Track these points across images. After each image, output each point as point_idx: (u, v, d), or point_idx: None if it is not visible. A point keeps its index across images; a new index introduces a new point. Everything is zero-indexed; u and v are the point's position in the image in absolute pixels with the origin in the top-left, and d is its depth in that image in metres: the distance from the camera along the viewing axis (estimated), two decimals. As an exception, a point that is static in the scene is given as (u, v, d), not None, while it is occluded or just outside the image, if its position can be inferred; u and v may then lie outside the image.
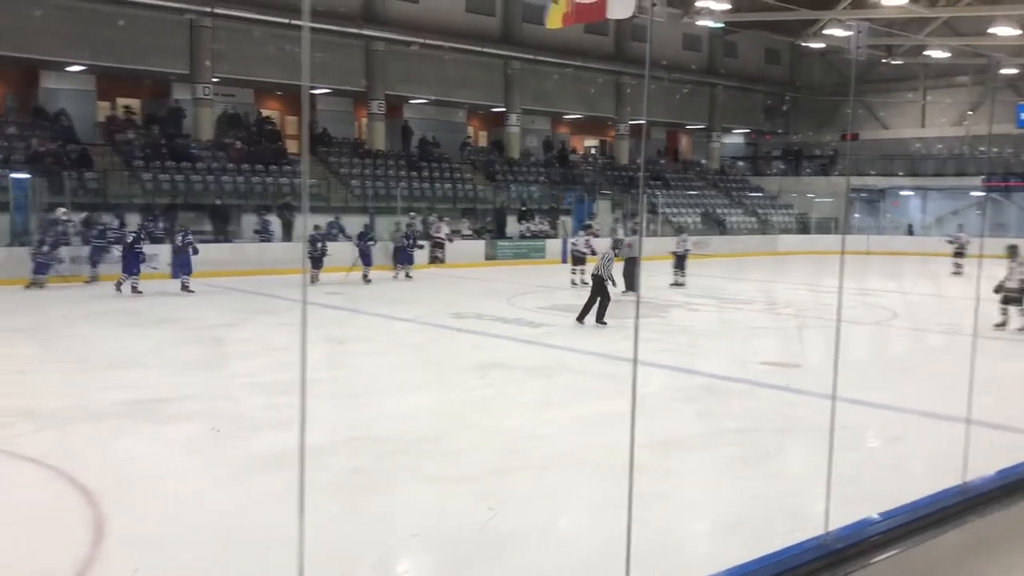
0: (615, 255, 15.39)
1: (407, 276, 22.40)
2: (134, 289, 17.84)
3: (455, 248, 26.17)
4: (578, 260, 20.97)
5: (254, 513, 5.98)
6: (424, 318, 15.33)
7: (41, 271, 18.41)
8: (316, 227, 21.90)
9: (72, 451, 7.27)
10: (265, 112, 30.85)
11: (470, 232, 27.75)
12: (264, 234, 23.59)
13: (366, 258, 21.40)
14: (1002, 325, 14.43)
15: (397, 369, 11.23)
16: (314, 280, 19.73)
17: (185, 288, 18.24)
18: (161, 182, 24.12)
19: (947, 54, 34.65)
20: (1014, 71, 34.04)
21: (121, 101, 28.14)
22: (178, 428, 8.04)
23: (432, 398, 9.44)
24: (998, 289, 14.42)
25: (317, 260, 20.34)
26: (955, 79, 38.46)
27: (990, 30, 28.88)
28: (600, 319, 14.19)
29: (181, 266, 18.64)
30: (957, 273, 24.38)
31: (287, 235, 24.09)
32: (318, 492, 5.60)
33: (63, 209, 20.23)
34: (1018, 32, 28.63)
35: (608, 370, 10.71)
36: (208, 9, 25.76)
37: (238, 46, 27.08)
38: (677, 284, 19.58)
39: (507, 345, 12.79)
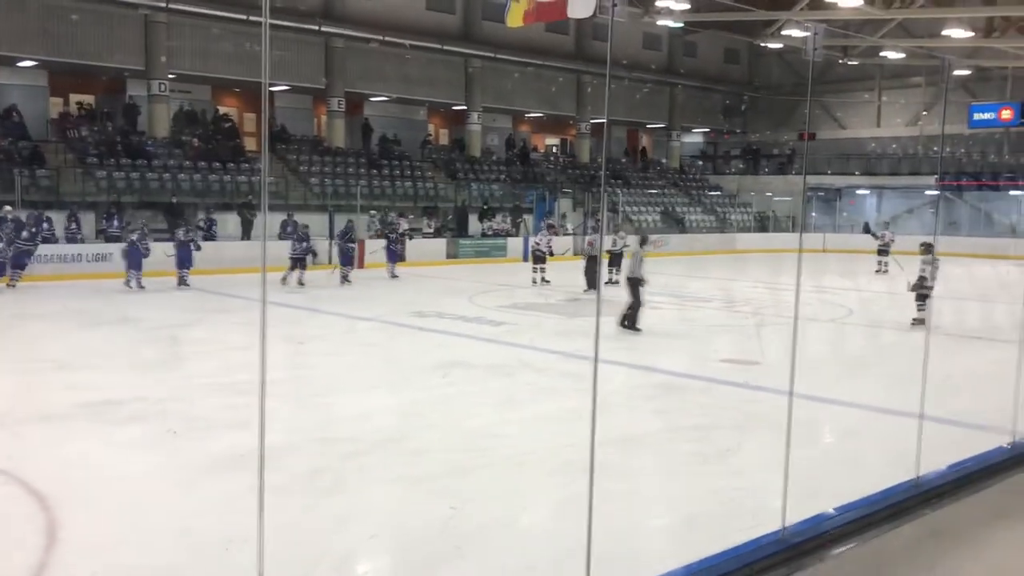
0: (642, 251, 14.24)
1: (393, 275, 21.98)
2: (139, 284, 18.26)
3: (417, 246, 26.09)
4: (539, 259, 20.95)
5: (212, 515, 5.91)
6: (385, 317, 15.25)
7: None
8: (296, 224, 21.58)
9: (24, 454, 7.13)
10: (222, 109, 30.51)
11: (431, 230, 27.66)
12: (207, 233, 22.78)
13: (346, 257, 20.80)
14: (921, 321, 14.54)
15: (357, 369, 11.16)
16: (300, 282, 18.98)
17: (183, 282, 18.92)
18: (116, 180, 23.74)
19: (901, 55, 35.24)
20: (966, 72, 34.71)
21: (74, 97, 27.68)
22: (133, 430, 7.92)
23: (393, 398, 9.40)
24: (915, 287, 14.43)
25: (300, 260, 19.34)
26: (909, 80, 39.12)
27: (943, 32, 29.42)
28: (633, 324, 13.57)
29: (182, 261, 19.22)
30: (881, 271, 24.24)
31: (246, 234, 23.85)
32: (277, 493, 5.54)
33: (8, 207, 19.83)
34: (970, 34, 29.19)
35: (569, 368, 10.74)
36: (163, 4, 25.40)
37: (194, 42, 26.75)
38: (612, 282, 19.68)
39: (468, 344, 12.77)
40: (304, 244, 19.50)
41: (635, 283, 13.56)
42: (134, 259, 18.33)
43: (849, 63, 36.67)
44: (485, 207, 30.18)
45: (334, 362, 11.50)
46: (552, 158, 38.93)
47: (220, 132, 28.51)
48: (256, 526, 3.78)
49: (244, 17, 25.90)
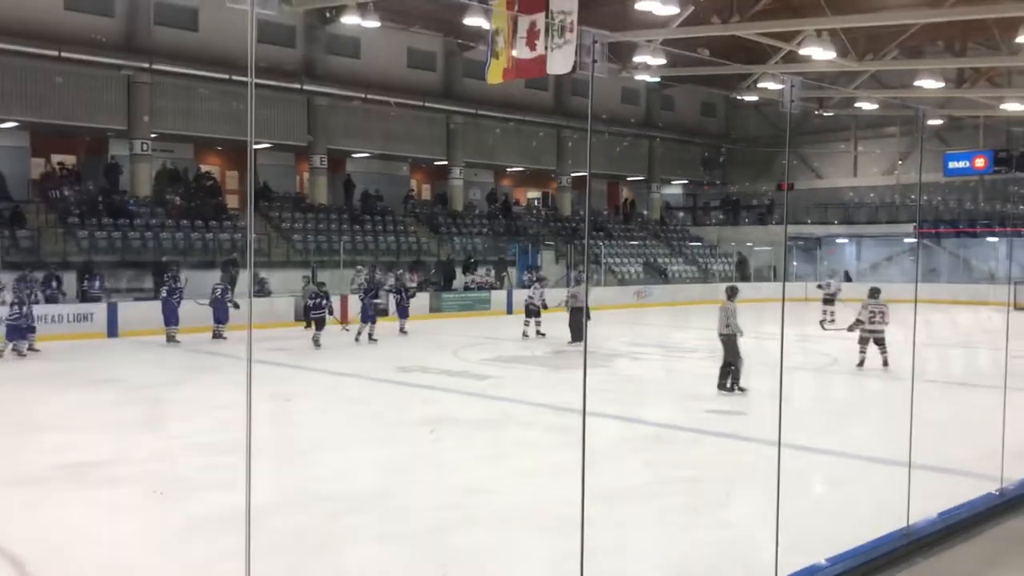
0: (732, 304, 13.04)
1: (403, 331, 21.42)
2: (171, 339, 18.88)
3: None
4: (532, 312, 20.70)
5: (195, 578, 5.79)
6: (369, 373, 15.17)
7: None
8: (312, 282, 21.82)
9: (1, 517, 6.99)
10: (204, 167, 30.60)
11: (413, 285, 27.64)
12: (174, 293, 20.61)
13: (367, 315, 20.02)
14: (861, 364, 15.14)
15: (342, 425, 11.06)
16: (316, 343, 18.55)
17: (218, 336, 19.83)
18: (98, 239, 23.67)
19: (876, 106, 35.88)
20: (939, 122, 35.34)
21: (56, 157, 27.67)
22: (115, 492, 7.79)
23: (378, 454, 9.31)
24: (852, 328, 14.98)
25: (319, 321, 19.15)
26: (884, 130, 39.77)
27: (916, 83, 30.01)
28: (736, 383, 12.69)
29: (219, 316, 20.04)
30: (827, 321, 22.32)
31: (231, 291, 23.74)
32: (262, 554, 5.43)
33: None
34: (941, 84, 29.79)
35: (556, 422, 10.69)
36: (146, 66, 25.59)
37: (177, 102, 26.89)
38: (526, 336, 19.81)
39: (453, 398, 12.70)
40: (322, 301, 19.38)
41: (730, 339, 12.63)
42: (221, 310, 19.84)
43: (825, 114, 37.29)
44: (470, 260, 30.23)
45: (319, 419, 11.40)
46: (534, 211, 39.20)
47: (202, 190, 28.56)
48: (242, 589, 3.71)
49: (227, 77, 26.09)
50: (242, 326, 20.29)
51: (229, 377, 14.21)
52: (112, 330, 20.20)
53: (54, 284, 21.02)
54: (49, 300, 20.66)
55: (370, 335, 19.78)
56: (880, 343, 14.97)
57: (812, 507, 7.41)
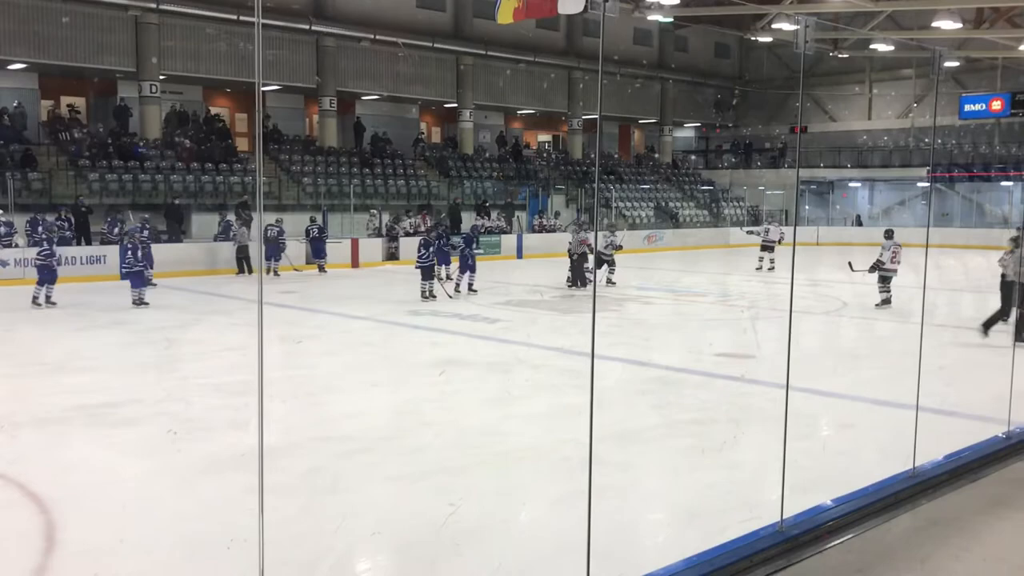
0: None
1: (449, 279, 19.23)
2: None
3: (410, 244, 26.08)
4: (602, 263, 19.44)
5: (211, 516, 5.91)
6: (380, 316, 15.25)
7: None
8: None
9: (20, 458, 7.12)
10: (214, 109, 30.45)
11: (424, 229, 27.61)
12: (224, 235, 22.84)
13: (445, 258, 19.12)
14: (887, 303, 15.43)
15: (354, 368, 11.16)
16: (470, 287, 18.09)
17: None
18: (108, 182, 23.69)
19: (891, 47, 35.28)
20: (956, 64, 34.78)
21: (65, 100, 27.58)
22: (130, 432, 7.92)
23: (390, 396, 9.41)
24: (873, 268, 15.20)
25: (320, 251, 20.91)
26: (900, 72, 39.19)
27: (933, 24, 29.48)
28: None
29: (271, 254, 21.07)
30: (768, 269, 22.38)
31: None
32: (276, 493, 5.55)
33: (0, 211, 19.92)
34: (959, 25, 29.25)
35: (565, 364, 10.76)
36: (153, 5, 25.33)
37: (185, 43, 26.68)
38: (610, 283, 19.46)
39: (464, 341, 12.79)
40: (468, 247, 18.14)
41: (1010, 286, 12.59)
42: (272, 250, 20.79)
43: (839, 56, 36.73)
44: (483, 204, 30.13)
45: (330, 361, 11.50)
46: (544, 155, 38.93)
47: (212, 133, 28.46)
48: (256, 526, 3.79)
49: (235, 17, 25.85)
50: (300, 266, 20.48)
51: (240, 319, 14.33)
52: (241, 268, 21.13)
53: (65, 226, 21.09)
54: (61, 242, 20.77)
55: (470, 285, 18.16)
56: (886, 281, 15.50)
57: (819, 449, 7.48)
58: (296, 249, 22.70)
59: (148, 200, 23.99)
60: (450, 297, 17.06)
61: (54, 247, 16.50)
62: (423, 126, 36.56)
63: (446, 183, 31.49)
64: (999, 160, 36.53)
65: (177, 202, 23.67)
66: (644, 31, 38.66)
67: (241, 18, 25.81)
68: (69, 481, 6.60)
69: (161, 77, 26.27)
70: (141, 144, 25.71)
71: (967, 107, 35.61)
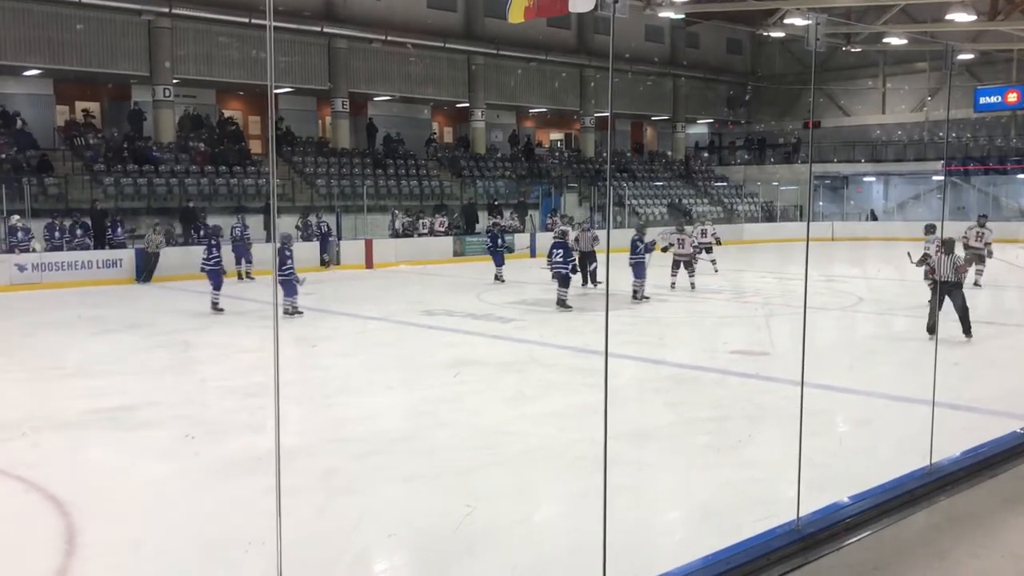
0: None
1: (497, 279, 20.25)
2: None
3: (424, 244, 26.21)
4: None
5: (229, 517, 5.95)
6: (394, 316, 15.29)
7: None
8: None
9: (41, 461, 7.18)
10: (227, 113, 30.59)
11: (442, 229, 27.72)
12: (240, 242, 22.03)
13: (499, 257, 20.66)
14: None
15: (368, 369, 11.20)
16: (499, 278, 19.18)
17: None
18: (124, 186, 23.84)
19: (904, 41, 35.07)
20: (970, 57, 34.55)
21: (80, 105, 27.77)
22: (148, 435, 7.97)
23: (404, 397, 9.43)
24: (922, 262, 14.36)
25: (499, 255, 20.45)
26: (913, 66, 38.96)
27: (947, 16, 29.27)
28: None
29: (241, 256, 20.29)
30: (712, 271, 21.01)
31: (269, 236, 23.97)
32: (293, 495, 5.59)
33: (17, 216, 20.05)
34: (974, 18, 29.04)
35: (579, 363, 10.76)
36: (166, 10, 25.47)
37: (198, 46, 26.81)
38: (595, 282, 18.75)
39: (478, 341, 12.80)
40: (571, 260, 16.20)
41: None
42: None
43: (852, 50, 36.55)
44: (494, 203, 30.17)
45: (345, 363, 11.55)
46: (557, 153, 38.90)
47: (225, 136, 28.59)
48: (274, 527, 3.82)
49: (247, 20, 25.96)
50: (267, 271, 20.48)
51: (255, 322, 14.40)
52: (146, 275, 20.47)
53: (79, 231, 21.23)
54: (80, 247, 20.92)
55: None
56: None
57: (835, 446, 7.45)
58: (309, 250, 22.76)
59: (163, 204, 24.14)
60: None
61: (220, 252, 16.33)
62: (435, 126, 36.61)
63: (459, 183, 31.53)
64: (1015, 153, 36.27)
65: (192, 205, 23.79)
66: (655, 28, 38.57)
67: (253, 21, 25.92)
68: (89, 484, 6.66)
69: (174, 81, 26.42)
70: (155, 148, 25.86)
71: (982, 100, 35.35)
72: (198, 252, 22.11)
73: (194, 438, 7.74)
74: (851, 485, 5.91)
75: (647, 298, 16.34)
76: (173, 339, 13.29)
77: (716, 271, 21.41)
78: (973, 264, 17.02)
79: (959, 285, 11.65)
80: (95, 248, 21.07)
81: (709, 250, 21.81)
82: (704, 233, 22.11)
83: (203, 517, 6.00)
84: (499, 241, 21.12)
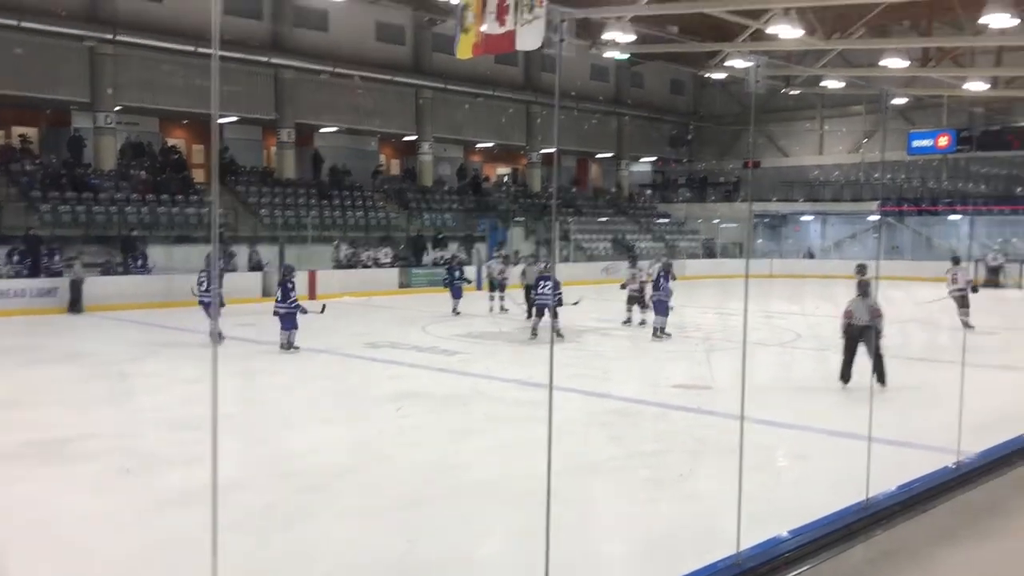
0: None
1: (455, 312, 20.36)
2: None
3: (369, 276, 26.08)
4: (494, 286, 21.15)
5: (164, 554, 5.81)
6: (338, 348, 15.14)
7: None
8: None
9: (-33, 496, 6.94)
10: (170, 141, 30.22)
11: (387, 260, 27.63)
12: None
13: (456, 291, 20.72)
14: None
15: (310, 402, 11.06)
16: (558, 333, 15.97)
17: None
18: (61, 213, 23.34)
19: (842, 85, 36.10)
20: (904, 101, 35.68)
21: (17, 130, 27.21)
22: (82, 468, 7.76)
23: (346, 430, 9.33)
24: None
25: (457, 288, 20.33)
26: (850, 109, 40.09)
27: (881, 62, 30.24)
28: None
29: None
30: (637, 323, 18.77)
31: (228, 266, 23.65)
32: (230, 530, 5.47)
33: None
34: (907, 64, 30.05)
35: (524, 396, 10.76)
36: (110, 36, 25.16)
37: (142, 74, 26.50)
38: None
39: (422, 374, 12.74)
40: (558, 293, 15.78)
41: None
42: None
43: (791, 93, 37.50)
44: (438, 236, 30.20)
45: (287, 395, 11.39)
46: (504, 187, 39.14)
47: (168, 164, 28.22)
48: (210, 564, 3.74)
49: (192, 49, 25.74)
50: (248, 299, 20.17)
51: (195, 352, 14.14)
52: (75, 305, 19.92)
53: (15, 259, 20.73)
54: (14, 274, 20.40)
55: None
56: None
57: (774, 480, 7.55)
58: (251, 281, 22.51)
59: (102, 232, 23.68)
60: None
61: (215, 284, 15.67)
62: (382, 158, 36.61)
63: (405, 215, 31.50)
64: (946, 195, 37.44)
65: (133, 234, 23.40)
66: (601, 67, 39.19)
67: (198, 50, 25.70)
68: (18, 520, 6.44)
69: (117, 108, 26.06)
70: (95, 175, 25.41)
71: (915, 143, 36.50)
72: (138, 281, 21.90)
73: (129, 471, 7.55)
74: (790, 519, 5.98)
75: (668, 335, 16.03)
76: (110, 370, 12.99)
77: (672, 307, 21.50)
78: (957, 308, 17.20)
79: (874, 329, 10.93)
80: (30, 276, 20.56)
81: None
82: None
83: (137, 553, 5.84)
84: (457, 274, 21.08)
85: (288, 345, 14.41)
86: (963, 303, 17.30)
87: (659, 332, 16.09)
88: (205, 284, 15.53)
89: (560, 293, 16.12)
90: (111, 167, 26.09)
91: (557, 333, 15.82)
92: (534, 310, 16.71)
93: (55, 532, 6.22)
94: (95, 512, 6.65)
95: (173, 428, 9.06)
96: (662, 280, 16.24)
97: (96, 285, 20.63)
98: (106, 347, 15.03)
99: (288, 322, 14.43)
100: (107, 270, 22.14)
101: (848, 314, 11.51)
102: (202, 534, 3.91)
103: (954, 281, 17.52)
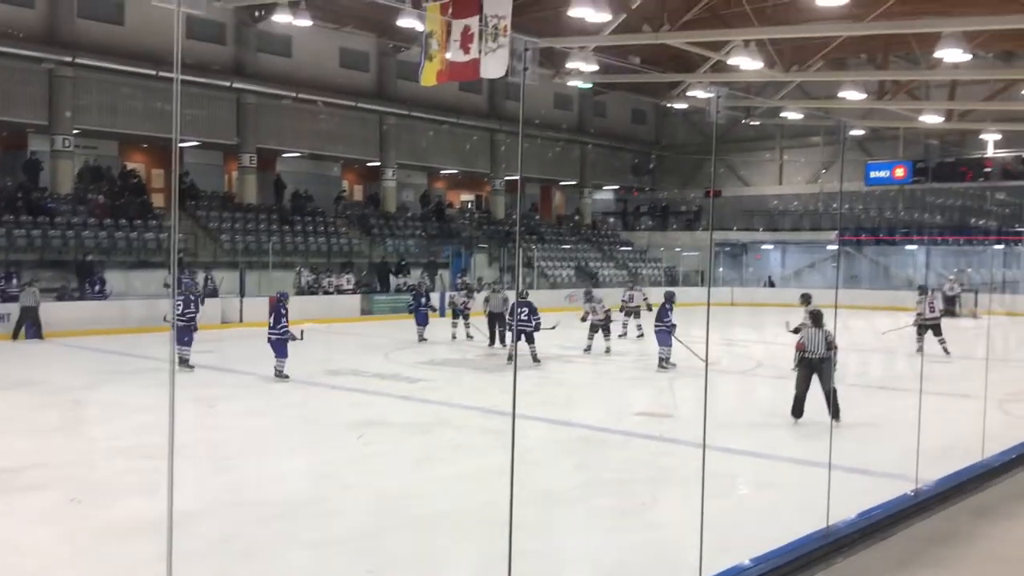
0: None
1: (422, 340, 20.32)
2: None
3: (331, 302, 25.90)
4: (456, 314, 21.19)
5: (117, 587, 5.67)
6: (299, 376, 14.97)
7: None
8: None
9: (-88, 527, 6.74)
10: (130, 165, 29.86)
11: (349, 287, 27.45)
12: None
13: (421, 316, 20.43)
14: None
15: (271, 430, 10.91)
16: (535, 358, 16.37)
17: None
18: (16, 237, 22.92)
19: (801, 116, 36.73)
20: (861, 133, 36.37)
21: (-28, 152, 26.78)
22: (32, 498, 7.57)
23: (307, 459, 9.21)
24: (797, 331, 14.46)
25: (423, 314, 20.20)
26: (809, 139, 40.76)
27: (839, 94, 30.84)
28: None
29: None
30: (637, 336, 21.20)
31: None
32: (187, 561, 5.35)
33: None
34: (864, 96, 30.69)
35: (487, 424, 10.71)
36: (69, 59, 24.89)
37: (101, 97, 26.21)
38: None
39: (385, 402, 12.64)
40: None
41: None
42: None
43: (751, 123, 38.06)
44: (402, 263, 30.11)
45: (246, 423, 11.23)
46: (467, 214, 39.19)
47: (127, 188, 27.88)
48: (165, 597, 3.65)
49: (154, 73, 25.54)
50: (165, 328, 19.88)
51: (152, 379, 13.89)
52: (31, 331, 19.49)
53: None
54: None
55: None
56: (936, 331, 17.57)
57: (737, 508, 7.57)
58: (211, 307, 22.21)
59: (58, 256, 23.29)
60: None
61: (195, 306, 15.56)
62: (345, 184, 36.48)
63: (368, 241, 31.38)
64: (903, 225, 38.10)
65: (89, 258, 23.04)
66: (564, 96, 39.51)
67: (159, 74, 25.51)
68: (-36, 552, 6.26)
69: (75, 131, 25.72)
70: (52, 199, 25.03)
71: (872, 174, 37.21)
72: (94, 307, 21.52)
73: (81, 502, 7.38)
74: (752, 547, 5.99)
75: (674, 365, 15.65)
76: (63, 397, 12.73)
77: (640, 335, 21.38)
78: (923, 336, 17.33)
79: (829, 362, 10.52)
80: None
81: (637, 315, 21.84)
82: (632, 298, 22.29)
83: (89, 586, 5.70)
84: (423, 300, 20.92)
85: (279, 373, 14.19)
86: (938, 331, 17.70)
87: (664, 363, 15.67)
88: (181, 308, 15.26)
89: (538, 318, 16.52)
90: (68, 191, 25.71)
91: (534, 358, 16.22)
92: (510, 335, 16.89)
93: (4, 562, 6.04)
94: (43, 544, 6.48)
95: (128, 457, 8.88)
96: (667, 310, 15.78)
97: (51, 311, 20.23)
98: (60, 374, 14.74)
99: (281, 349, 14.25)
100: (63, 295, 21.76)
101: (801, 346, 10.86)
102: (157, 566, 3.83)
103: (932, 309, 17.81)
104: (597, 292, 19.78)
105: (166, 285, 22.66)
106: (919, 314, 17.74)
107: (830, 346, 10.51)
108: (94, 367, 15.81)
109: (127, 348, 17.81)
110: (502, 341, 18.59)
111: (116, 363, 16.37)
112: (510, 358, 16.30)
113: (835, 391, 10.18)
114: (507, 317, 18.61)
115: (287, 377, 14.18)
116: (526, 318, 16.08)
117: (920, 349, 16.97)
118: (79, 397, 12.82)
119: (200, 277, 23.74)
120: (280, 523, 6.96)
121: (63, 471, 8.39)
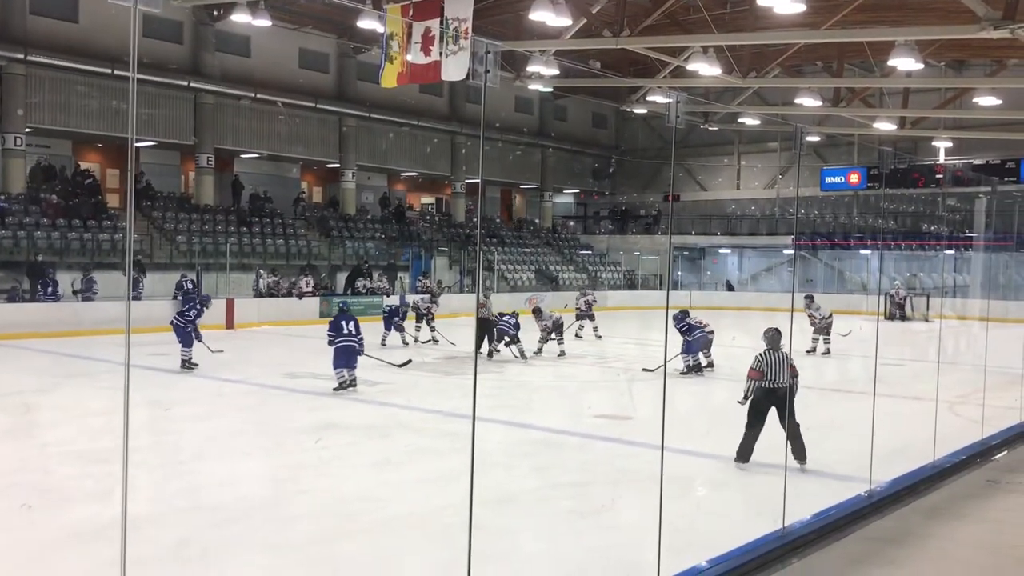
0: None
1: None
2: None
3: (289, 305, 25.67)
4: (419, 317, 21.11)
5: (68, 593, 5.56)
6: (255, 379, 14.84)
7: None
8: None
9: None
10: (84, 164, 29.36)
11: (310, 290, 27.22)
12: (87, 293, 22.05)
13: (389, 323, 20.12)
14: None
15: (226, 434, 10.78)
16: (522, 354, 17.49)
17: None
18: (-36, 238, 22.45)
19: (758, 122, 37.19)
20: (817, 139, 36.93)
21: (-81, 150, 26.12)
22: (-19, 504, 7.40)
23: (263, 463, 9.12)
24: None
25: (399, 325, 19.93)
26: (766, 145, 41.27)
27: (796, 100, 31.29)
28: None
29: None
30: (596, 337, 21.95)
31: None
32: (141, 566, 5.27)
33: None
34: (819, 103, 31.16)
35: (446, 427, 10.68)
36: (21, 56, 24.42)
37: (54, 95, 25.75)
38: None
39: (342, 405, 12.55)
40: (515, 321, 17.52)
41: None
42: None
43: (710, 129, 38.44)
44: (364, 265, 29.91)
45: (202, 427, 11.08)
46: (428, 217, 39.09)
47: (81, 188, 27.39)
48: (118, 604, 3.59)
49: (109, 71, 25.16)
50: (119, 330, 19.57)
51: (106, 382, 13.68)
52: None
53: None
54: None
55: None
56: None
57: (694, 510, 7.63)
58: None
59: (9, 257, 22.82)
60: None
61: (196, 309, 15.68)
62: (304, 185, 36.20)
63: (327, 243, 31.16)
64: (857, 230, 38.70)
65: (40, 259, 22.61)
66: (525, 100, 39.60)
67: (115, 72, 25.13)
68: (-92, 559, 6.10)
69: (27, 130, 25.24)
70: (2, 199, 24.52)
71: (828, 179, 37.77)
72: (45, 309, 21.11)
73: (31, 507, 7.23)
74: (709, 549, 6.04)
75: (701, 369, 15.92)
76: (12, 401, 12.47)
77: (599, 336, 21.94)
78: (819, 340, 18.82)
79: (791, 392, 8.56)
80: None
81: (592, 317, 22.35)
82: (588, 304, 22.70)
83: (39, 593, 5.59)
84: (397, 319, 20.29)
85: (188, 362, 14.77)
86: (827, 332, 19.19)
87: (689, 368, 15.70)
88: (182, 309, 15.58)
89: (515, 319, 17.73)
90: (20, 190, 25.21)
91: (521, 354, 17.41)
92: (493, 334, 17.64)
93: (-50, 572, 5.91)
94: (-6, 550, 6.34)
95: (80, 462, 8.73)
96: (691, 327, 15.81)
97: (1, 312, 19.83)
98: (9, 377, 14.44)
99: (185, 338, 14.74)
100: (13, 297, 21.33)
101: (758, 374, 8.58)
102: (111, 571, 3.76)
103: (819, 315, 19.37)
104: (545, 310, 19.78)
105: (179, 287, 22.81)
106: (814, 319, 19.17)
107: (792, 373, 8.60)
108: (45, 369, 15.51)
109: (80, 350, 17.50)
110: (499, 339, 18.44)
111: (69, 366, 16.08)
112: (490, 355, 17.28)
113: (798, 426, 8.55)
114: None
115: (196, 365, 15.07)
116: (509, 320, 17.51)
117: (814, 350, 18.86)
118: (30, 400, 12.57)
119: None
120: (236, 527, 6.88)
121: (13, 477, 8.22)
